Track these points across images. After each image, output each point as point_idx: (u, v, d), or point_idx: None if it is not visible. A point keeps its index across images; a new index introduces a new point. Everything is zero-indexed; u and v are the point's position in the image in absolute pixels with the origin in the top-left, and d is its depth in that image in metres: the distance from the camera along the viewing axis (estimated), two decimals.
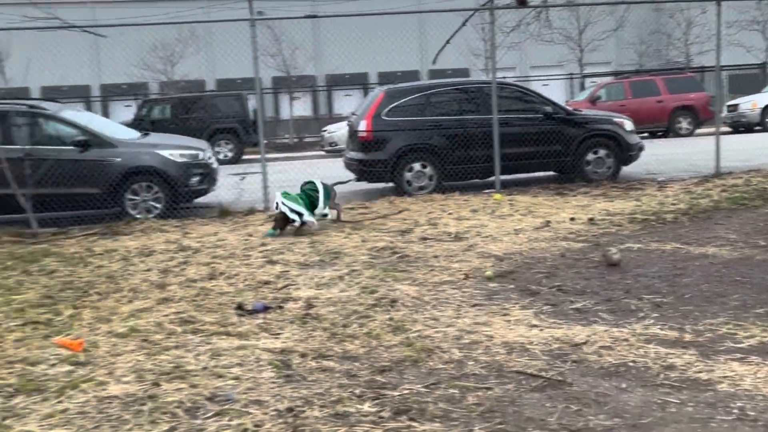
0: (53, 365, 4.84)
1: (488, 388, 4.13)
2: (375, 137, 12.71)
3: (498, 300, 5.97)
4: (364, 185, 13.42)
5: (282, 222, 9.35)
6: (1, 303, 6.58)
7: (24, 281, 7.45)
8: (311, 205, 9.56)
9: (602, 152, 13.12)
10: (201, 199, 12.30)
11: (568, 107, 14.16)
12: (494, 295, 6.11)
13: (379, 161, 12.60)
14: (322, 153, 23.24)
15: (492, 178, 12.56)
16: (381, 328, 5.31)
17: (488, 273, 6.78)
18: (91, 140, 11.36)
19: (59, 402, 4.20)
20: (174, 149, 11.88)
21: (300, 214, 9.32)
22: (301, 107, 35.37)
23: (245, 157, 23.42)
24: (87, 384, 4.43)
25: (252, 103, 24.57)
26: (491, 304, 5.86)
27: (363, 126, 12.80)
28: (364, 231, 9.25)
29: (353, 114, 14.58)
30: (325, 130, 24.05)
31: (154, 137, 12.84)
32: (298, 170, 14.18)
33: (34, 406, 4.17)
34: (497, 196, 11.64)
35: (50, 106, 11.95)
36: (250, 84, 30.82)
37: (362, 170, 12.83)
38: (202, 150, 12.27)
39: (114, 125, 13.11)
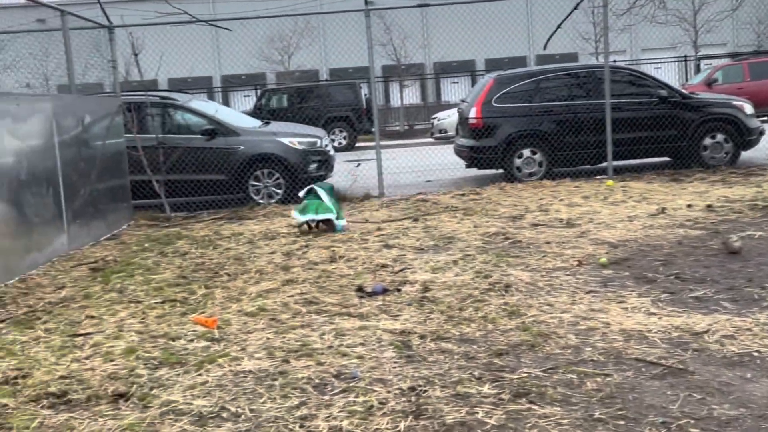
0: (191, 341, 5.11)
1: (607, 375, 4.09)
2: (485, 124, 12.63)
3: (613, 287, 5.87)
4: (475, 172, 13.38)
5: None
6: (141, 282, 6.98)
7: (160, 262, 7.86)
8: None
9: (720, 137, 12.57)
10: None
11: (683, 91, 13.63)
12: (609, 282, 6.01)
13: (489, 148, 12.52)
14: (432, 140, 23.26)
15: (604, 164, 12.28)
16: (496, 313, 5.33)
17: (603, 260, 6.67)
18: (217, 129, 11.80)
19: (199, 375, 4.44)
20: (293, 137, 12.19)
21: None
22: (410, 95, 35.46)
23: (358, 144, 23.74)
24: (223, 359, 4.67)
25: (364, 91, 24.86)
26: (606, 291, 5.78)
27: (473, 113, 12.74)
28: (476, 217, 9.25)
29: (463, 101, 14.53)
30: (434, 118, 24.05)
31: (275, 125, 13.21)
32: (409, 157, 14.28)
33: (177, 377, 4.42)
34: (610, 182, 11.38)
35: (180, 97, 12.48)
36: (361, 73, 31.26)
37: (472, 157, 12.80)
38: (319, 137, 12.54)
39: (237, 114, 13.56)
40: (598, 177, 12.07)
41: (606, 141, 12.00)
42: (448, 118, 22.77)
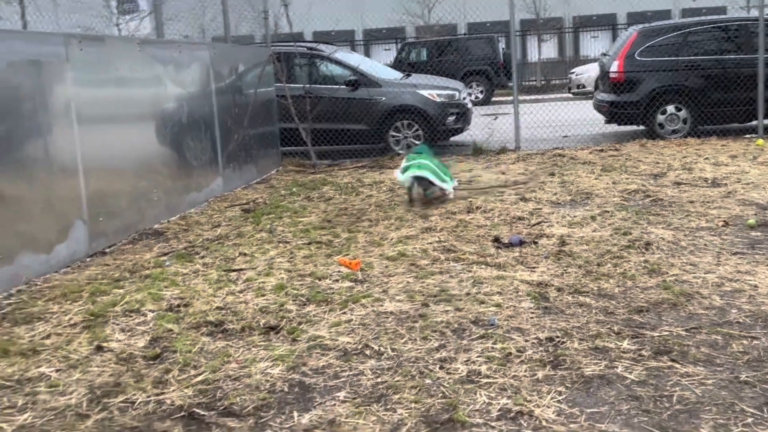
0: (336, 281, 5.24)
1: (754, 338, 3.86)
2: (627, 78, 12.04)
3: (762, 249, 5.51)
4: (614, 127, 12.85)
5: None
6: (289, 224, 7.21)
7: (307, 206, 8.08)
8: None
9: None
10: (456, 138, 12.48)
11: None
12: (757, 245, 5.64)
13: (631, 103, 11.96)
14: (569, 95, 22.50)
15: (754, 123, 11.47)
16: (636, 270, 5.13)
17: (751, 221, 6.26)
18: (360, 80, 11.88)
19: (343, 313, 4.55)
20: (433, 89, 12.11)
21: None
22: (548, 50, 34.33)
23: (495, 99, 23.31)
24: (366, 299, 4.75)
25: (502, 45, 24.30)
26: (754, 253, 5.43)
27: (615, 67, 12.17)
28: (615, 173, 8.89)
29: (605, 55, 13.91)
30: (572, 72, 23.22)
31: (415, 78, 13.15)
32: (546, 112, 13.88)
33: (323, 315, 4.55)
34: (760, 141, 10.63)
35: (326, 48, 12.63)
36: (498, 27, 30.50)
37: (612, 112, 12.27)
38: (458, 90, 12.40)
39: (380, 66, 13.59)
40: (747, 136, 11.30)
41: (757, 98, 11.18)
42: (587, 73, 21.95)
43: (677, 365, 3.55)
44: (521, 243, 6.01)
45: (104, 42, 6.93)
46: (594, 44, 33.20)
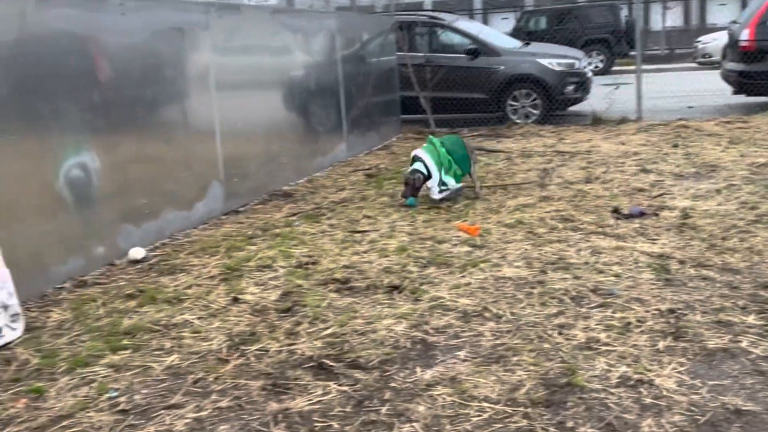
0: (455, 245, 5.29)
1: None
2: (758, 47, 11.31)
3: None
4: (742, 99, 12.16)
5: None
6: None
7: None
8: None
9: None
10: (574, 107, 12.17)
11: None
12: None
13: (762, 73, 11.24)
14: (694, 65, 21.34)
15: None
16: (764, 245, 4.90)
17: None
18: (480, 49, 11.75)
19: (462, 276, 4.60)
20: (552, 58, 11.82)
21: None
22: (672, 17, 32.65)
23: (615, 68, 22.45)
24: (485, 264, 4.79)
25: (624, 13, 23.33)
26: None
27: (745, 35, 11.45)
28: (743, 145, 8.45)
29: (734, 23, 13.12)
30: (698, 41, 21.99)
31: (534, 47, 12.86)
32: (669, 82, 13.28)
33: (443, 277, 4.62)
34: None
35: (447, 17, 12.54)
36: None
37: (742, 82, 11.58)
38: (578, 59, 12.06)
39: (499, 35, 13.37)
40: None
41: None
42: (713, 42, 20.69)
43: None
44: (642, 214, 5.85)
45: (240, 11, 7.17)
46: (722, 12, 31.34)
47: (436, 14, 12.73)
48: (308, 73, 8.40)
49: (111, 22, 5.31)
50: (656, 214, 5.84)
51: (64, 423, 3.07)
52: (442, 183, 6.60)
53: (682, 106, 12.45)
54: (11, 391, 3.36)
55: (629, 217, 5.83)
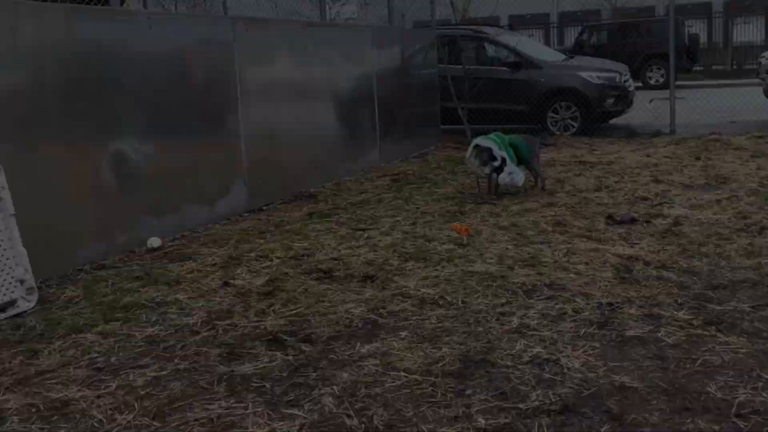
0: (442, 243, 5.58)
1: None
2: None
3: None
4: None
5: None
6: (426, 193, 7.64)
7: (448, 179, 8.45)
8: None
9: None
10: (615, 120, 12.19)
11: None
12: None
13: None
14: (758, 80, 20.71)
15: None
16: (735, 251, 5.00)
17: None
18: (521, 62, 11.94)
19: (435, 270, 4.90)
20: (593, 71, 11.91)
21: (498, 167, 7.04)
22: (745, 33, 31.57)
23: (678, 83, 22.05)
24: (459, 260, 5.07)
25: (689, 27, 22.92)
26: None
27: None
28: (763, 159, 8.39)
29: None
30: (763, 56, 21.35)
31: (577, 60, 12.96)
32: (720, 97, 13.09)
33: (418, 270, 4.92)
34: None
35: (490, 30, 12.78)
36: (701, 9, 28.59)
37: None
38: (619, 73, 12.10)
39: (542, 48, 13.53)
40: None
41: None
42: None
43: (720, 335, 3.56)
44: (632, 221, 6.00)
45: (267, 24, 7.67)
46: None
47: (480, 28, 12.99)
48: (339, 84, 8.83)
49: (141, 36, 5.90)
50: (648, 222, 5.97)
51: (46, 375, 3.55)
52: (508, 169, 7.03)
53: (724, 120, 12.27)
54: (13, 351, 3.88)
55: (620, 223, 5.99)
